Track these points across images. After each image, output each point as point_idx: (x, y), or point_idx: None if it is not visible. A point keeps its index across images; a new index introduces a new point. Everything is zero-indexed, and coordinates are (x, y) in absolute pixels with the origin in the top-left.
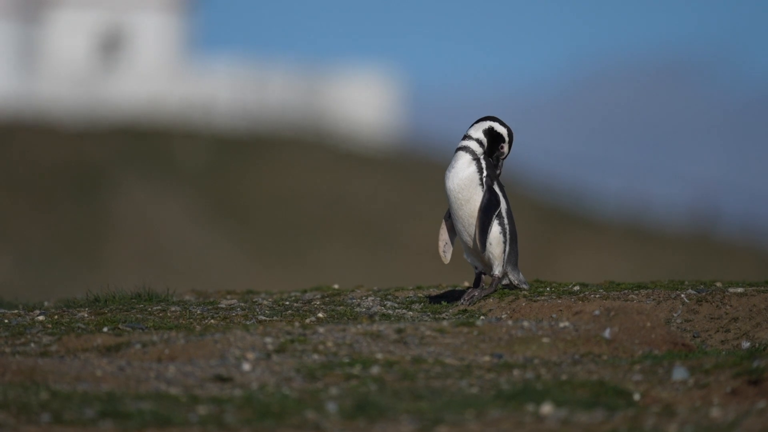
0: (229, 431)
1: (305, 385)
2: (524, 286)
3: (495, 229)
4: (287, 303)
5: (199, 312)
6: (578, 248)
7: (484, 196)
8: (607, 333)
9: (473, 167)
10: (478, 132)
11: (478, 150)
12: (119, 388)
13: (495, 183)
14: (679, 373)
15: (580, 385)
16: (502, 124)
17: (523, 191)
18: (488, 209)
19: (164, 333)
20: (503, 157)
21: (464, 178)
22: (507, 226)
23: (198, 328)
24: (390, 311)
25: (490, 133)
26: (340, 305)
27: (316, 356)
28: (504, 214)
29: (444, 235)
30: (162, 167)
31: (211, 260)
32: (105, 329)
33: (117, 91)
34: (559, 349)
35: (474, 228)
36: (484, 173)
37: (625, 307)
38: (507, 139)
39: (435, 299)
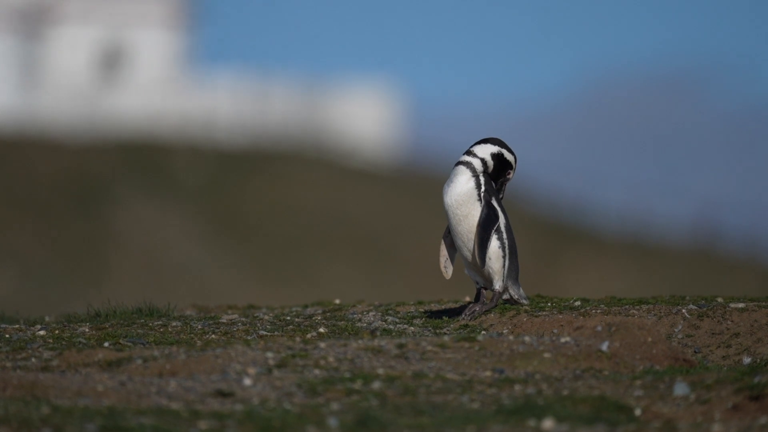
0: None
1: (306, 401)
2: (524, 301)
3: (494, 244)
4: (288, 318)
5: (200, 327)
6: (579, 263)
7: (482, 210)
8: (608, 348)
9: (472, 183)
10: (484, 152)
11: (480, 168)
12: (120, 403)
13: (493, 197)
14: (681, 389)
15: (581, 400)
16: (509, 150)
17: (524, 206)
18: (487, 224)
19: (165, 348)
20: (508, 182)
21: (462, 194)
22: (506, 241)
23: (199, 343)
24: (391, 326)
25: (498, 158)
26: (341, 320)
27: (317, 371)
28: (503, 228)
29: (444, 251)
30: (163, 182)
31: (212, 275)
32: (106, 344)
33: (118, 107)
34: (561, 364)
35: (473, 243)
36: (483, 188)
37: (626, 323)
38: (514, 165)
39: (436, 314)
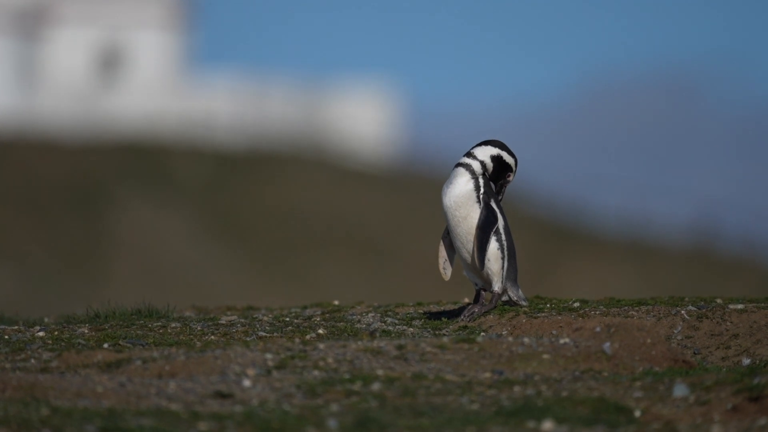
0: None
1: (306, 402)
2: (523, 303)
3: (493, 246)
4: (287, 319)
5: (199, 328)
6: (579, 264)
7: (481, 212)
8: (607, 349)
9: (471, 185)
10: (484, 155)
11: (479, 170)
12: (120, 404)
13: (492, 199)
14: (680, 390)
15: (580, 401)
16: (510, 153)
17: (523, 207)
18: (486, 226)
19: (165, 349)
20: (507, 184)
21: (461, 195)
22: (505, 242)
23: (198, 344)
24: (390, 327)
25: (498, 161)
26: (340, 321)
27: (316, 372)
28: (501, 230)
29: (443, 252)
30: (162, 183)
31: (212, 276)
32: (105, 345)
33: (117, 108)
34: (560, 365)
35: (472, 245)
36: (482, 190)
37: (625, 324)
38: (514, 168)
39: (435, 315)
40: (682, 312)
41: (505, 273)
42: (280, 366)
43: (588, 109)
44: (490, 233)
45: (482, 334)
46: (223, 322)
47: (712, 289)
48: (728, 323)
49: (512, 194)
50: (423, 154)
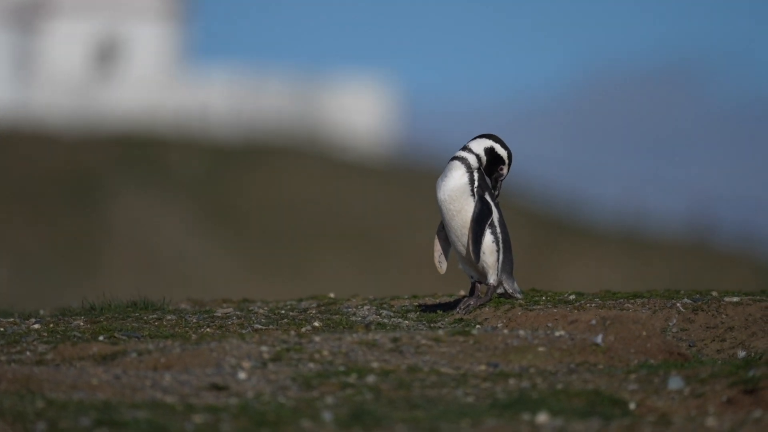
0: None
1: (301, 394)
2: (518, 295)
3: (488, 239)
4: (283, 312)
5: (194, 321)
6: (574, 257)
7: (475, 206)
8: (602, 342)
9: (465, 178)
10: (479, 148)
11: (474, 164)
12: (115, 396)
13: (486, 192)
14: (675, 383)
15: (575, 394)
16: (503, 146)
17: (519, 200)
18: (480, 219)
19: (160, 342)
20: (502, 178)
21: (455, 189)
22: (500, 235)
23: (194, 336)
24: (386, 320)
25: (490, 152)
26: (335, 314)
27: (311, 365)
28: (496, 222)
29: (438, 246)
30: (158, 176)
31: (207, 269)
32: (101, 338)
33: (113, 100)
34: (555, 358)
35: (467, 238)
36: (476, 184)
37: (620, 317)
38: (507, 161)
39: (431, 308)
40: (678, 305)
41: (500, 265)
42: (276, 358)
43: (585, 102)
44: (484, 226)
45: (477, 326)
46: (219, 314)
47: (707, 282)
48: (724, 316)
49: (508, 187)
50: (419, 147)
